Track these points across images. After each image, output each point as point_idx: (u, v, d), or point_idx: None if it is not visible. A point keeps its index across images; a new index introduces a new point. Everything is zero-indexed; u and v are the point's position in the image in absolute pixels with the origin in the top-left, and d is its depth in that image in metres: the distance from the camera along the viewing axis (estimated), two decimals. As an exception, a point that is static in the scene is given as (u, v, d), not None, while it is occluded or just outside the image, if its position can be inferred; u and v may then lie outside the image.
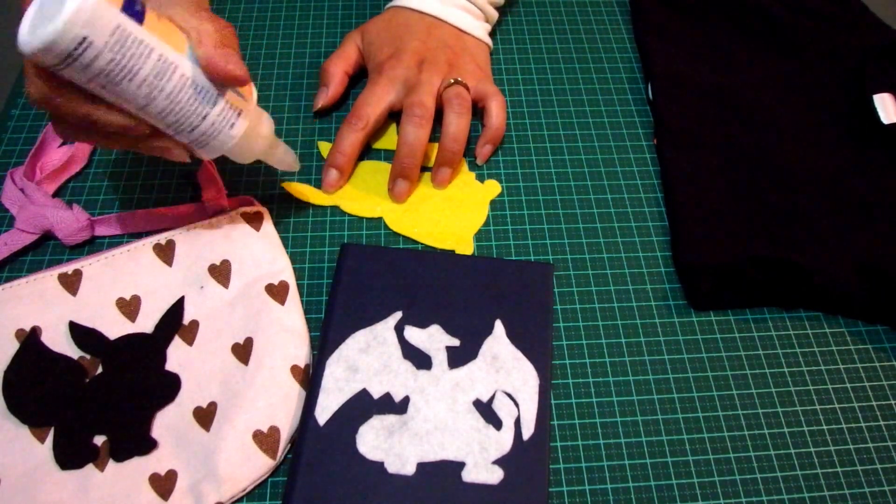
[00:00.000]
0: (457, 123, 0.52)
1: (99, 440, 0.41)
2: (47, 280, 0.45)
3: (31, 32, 0.35)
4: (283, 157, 0.47)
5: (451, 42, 0.56)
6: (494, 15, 0.60)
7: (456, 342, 0.44)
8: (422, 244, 0.50)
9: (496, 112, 0.55)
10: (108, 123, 0.39)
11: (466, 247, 0.50)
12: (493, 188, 0.54)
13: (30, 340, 0.43)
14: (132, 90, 0.38)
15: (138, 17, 0.38)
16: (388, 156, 0.55)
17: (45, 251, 0.49)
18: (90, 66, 0.36)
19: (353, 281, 0.46)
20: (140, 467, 0.40)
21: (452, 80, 0.53)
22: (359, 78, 0.59)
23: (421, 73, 0.53)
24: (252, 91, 0.44)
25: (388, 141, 0.56)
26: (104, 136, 0.41)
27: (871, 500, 0.42)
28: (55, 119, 0.40)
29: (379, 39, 0.56)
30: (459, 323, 0.45)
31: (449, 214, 0.52)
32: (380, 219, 0.52)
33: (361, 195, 0.52)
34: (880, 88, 0.57)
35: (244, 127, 0.43)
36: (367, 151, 0.55)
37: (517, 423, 0.42)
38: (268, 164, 0.47)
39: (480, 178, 0.54)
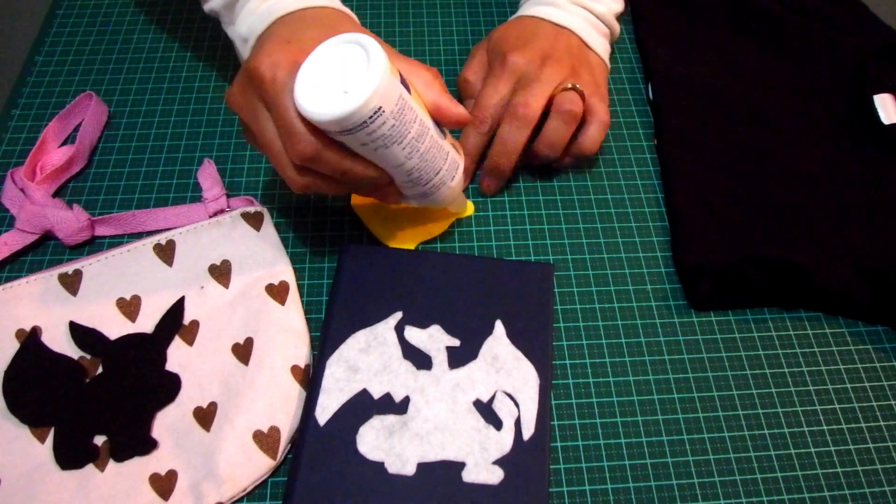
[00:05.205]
0: (559, 131, 0.50)
1: (99, 440, 0.41)
2: (47, 280, 0.45)
3: (320, 102, 0.35)
4: (461, 203, 0.49)
5: (575, 51, 0.54)
6: (617, 31, 0.58)
7: (456, 342, 0.44)
8: (427, 240, 0.50)
9: (592, 132, 0.52)
10: (361, 178, 0.40)
11: (467, 206, 0.51)
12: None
13: (30, 340, 0.43)
14: (396, 151, 0.38)
15: (405, 83, 0.38)
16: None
17: (45, 251, 0.49)
18: (373, 133, 0.36)
19: (353, 281, 0.46)
20: (140, 467, 0.40)
21: (571, 85, 0.50)
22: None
23: (542, 69, 0.51)
24: (460, 147, 0.46)
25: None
26: (344, 187, 0.42)
27: (871, 501, 0.42)
28: (302, 171, 0.39)
29: (505, 36, 0.54)
30: (459, 323, 0.44)
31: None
32: (380, 219, 0.52)
33: (401, 230, 0.51)
34: (880, 88, 0.57)
35: (460, 179, 0.45)
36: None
37: (517, 423, 0.42)
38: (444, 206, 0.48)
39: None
